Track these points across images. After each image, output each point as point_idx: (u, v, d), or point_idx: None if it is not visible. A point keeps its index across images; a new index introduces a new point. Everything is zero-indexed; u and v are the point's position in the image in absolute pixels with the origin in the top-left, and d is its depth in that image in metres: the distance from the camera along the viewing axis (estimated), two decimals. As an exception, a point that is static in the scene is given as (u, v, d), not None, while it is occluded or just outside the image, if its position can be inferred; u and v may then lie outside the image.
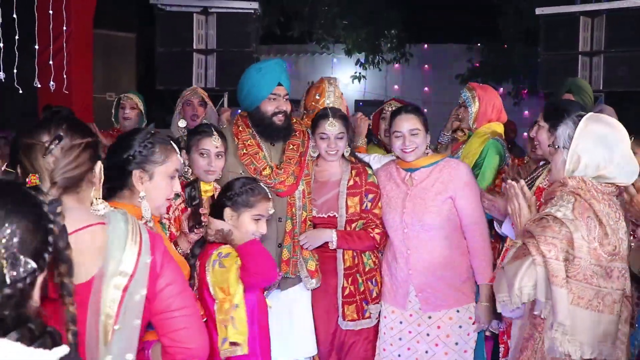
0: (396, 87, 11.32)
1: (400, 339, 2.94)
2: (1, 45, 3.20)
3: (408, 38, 9.84)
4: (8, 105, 5.57)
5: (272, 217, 2.90)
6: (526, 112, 10.06)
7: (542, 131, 2.71)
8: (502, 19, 9.32)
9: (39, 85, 3.77)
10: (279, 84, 3.00)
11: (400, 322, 2.95)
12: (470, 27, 9.87)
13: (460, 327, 2.88)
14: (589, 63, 5.51)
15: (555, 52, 5.58)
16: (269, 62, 3.11)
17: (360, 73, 10.05)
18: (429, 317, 2.90)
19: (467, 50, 10.56)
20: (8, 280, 1.00)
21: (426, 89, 11.30)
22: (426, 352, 2.89)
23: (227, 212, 2.44)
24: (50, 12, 4.17)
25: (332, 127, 3.00)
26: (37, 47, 3.91)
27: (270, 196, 2.52)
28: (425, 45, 11.21)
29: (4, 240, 1.00)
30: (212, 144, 2.79)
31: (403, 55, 10.00)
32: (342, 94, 3.57)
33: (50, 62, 4.23)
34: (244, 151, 2.99)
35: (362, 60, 9.84)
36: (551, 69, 5.53)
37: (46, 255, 1.07)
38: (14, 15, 3.51)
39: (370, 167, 3.15)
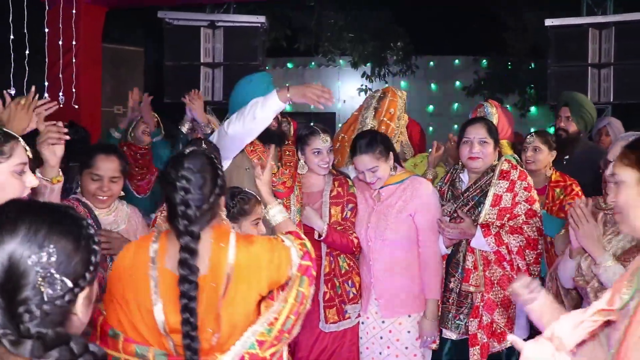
0: (402, 99, 11.31)
1: (361, 337, 3.13)
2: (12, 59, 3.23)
3: (414, 50, 9.86)
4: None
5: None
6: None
7: (488, 146, 2.97)
8: (507, 33, 9.34)
9: (49, 99, 3.78)
10: None
11: (362, 323, 3.13)
12: (476, 40, 9.88)
13: (408, 332, 3.04)
14: (597, 75, 5.50)
15: (565, 64, 5.56)
16: (258, 74, 3.31)
17: (366, 85, 10.06)
18: (383, 322, 3.06)
19: (473, 63, 10.56)
20: (46, 298, 1.03)
21: (432, 100, 11.30)
22: (380, 353, 3.07)
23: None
24: (60, 27, 4.21)
25: (325, 143, 3.13)
26: (47, 61, 3.94)
27: (259, 198, 2.57)
28: (431, 58, 11.23)
29: (42, 260, 1.04)
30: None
31: (409, 67, 10.02)
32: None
33: (60, 76, 4.26)
34: (251, 148, 3.09)
35: (368, 73, 9.86)
36: (561, 81, 5.49)
37: (87, 275, 1.10)
38: (25, 31, 3.54)
39: (350, 178, 3.28)
